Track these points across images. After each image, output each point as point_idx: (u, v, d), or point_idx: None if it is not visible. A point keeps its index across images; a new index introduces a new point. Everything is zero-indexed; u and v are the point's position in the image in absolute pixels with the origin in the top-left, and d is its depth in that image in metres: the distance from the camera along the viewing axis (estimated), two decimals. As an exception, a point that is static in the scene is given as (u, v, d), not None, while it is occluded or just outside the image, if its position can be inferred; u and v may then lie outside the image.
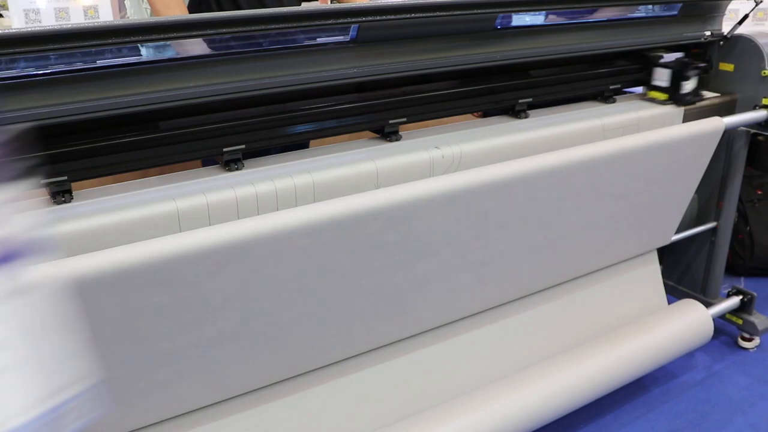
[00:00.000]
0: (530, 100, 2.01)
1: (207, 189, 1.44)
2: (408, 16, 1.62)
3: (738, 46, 2.37)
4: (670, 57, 2.22)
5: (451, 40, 1.78)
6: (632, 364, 2.12)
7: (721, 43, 2.39)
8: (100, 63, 1.43)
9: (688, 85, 2.19)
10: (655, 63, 2.23)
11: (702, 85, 2.43)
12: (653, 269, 2.41)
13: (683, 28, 2.34)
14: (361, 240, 1.52)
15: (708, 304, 2.46)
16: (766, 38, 2.36)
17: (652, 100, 2.24)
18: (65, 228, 1.30)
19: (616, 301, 2.32)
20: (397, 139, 1.77)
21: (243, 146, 1.55)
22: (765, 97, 2.32)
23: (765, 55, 2.31)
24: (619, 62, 2.25)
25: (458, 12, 1.69)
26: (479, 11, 1.73)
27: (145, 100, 1.40)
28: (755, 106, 2.32)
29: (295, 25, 1.49)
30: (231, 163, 1.54)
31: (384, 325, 1.75)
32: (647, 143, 1.99)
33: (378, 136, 1.78)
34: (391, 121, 1.75)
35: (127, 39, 1.32)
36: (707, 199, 2.57)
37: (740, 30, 2.35)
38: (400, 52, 1.69)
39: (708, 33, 2.37)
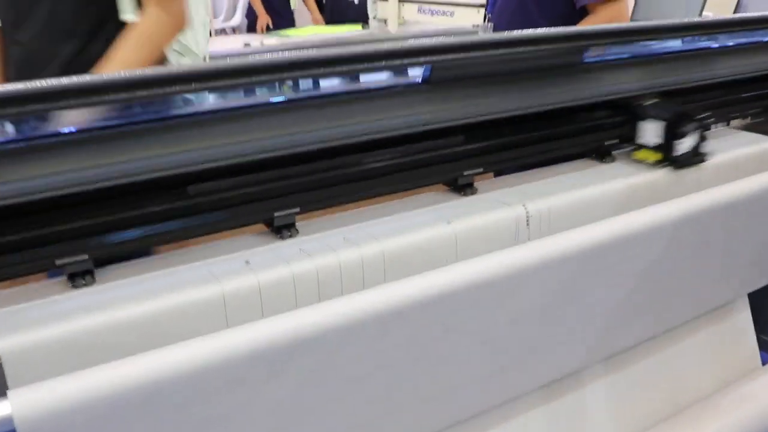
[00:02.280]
0: (616, 141, 1.71)
1: (257, 265, 1.15)
2: (487, 53, 1.33)
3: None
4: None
5: (534, 78, 1.49)
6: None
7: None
8: (117, 120, 1.15)
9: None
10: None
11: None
12: (744, 318, 2.09)
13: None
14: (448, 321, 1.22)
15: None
16: None
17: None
18: (87, 321, 1.02)
19: (705, 360, 1.99)
20: (472, 193, 1.47)
21: (298, 209, 1.27)
22: None
23: None
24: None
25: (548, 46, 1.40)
26: (568, 44, 1.44)
27: (183, 160, 1.12)
28: None
29: (360, 66, 1.21)
30: (284, 230, 1.26)
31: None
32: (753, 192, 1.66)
33: (449, 189, 1.49)
34: (465, 173, 1.46)
35: (159, 91, 1.03)
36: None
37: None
38: (474, 94, 1.40)
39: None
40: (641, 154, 1.64)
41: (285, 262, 1.16)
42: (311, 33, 5.33)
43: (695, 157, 1.64)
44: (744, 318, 2.09)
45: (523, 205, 1.40)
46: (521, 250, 1.27)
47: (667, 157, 1.60)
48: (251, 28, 6.43)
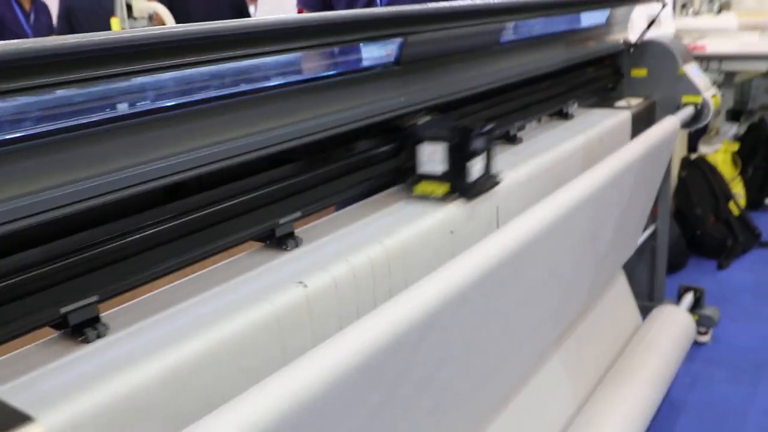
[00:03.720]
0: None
1: (289, 276, 0.96)
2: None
3: (649, 50, 2.31)
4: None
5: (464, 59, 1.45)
6: (657, 392, 1.88)
7: (631, 50, 2.32)
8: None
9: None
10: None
11: (617, 92, 2.35)
12: (622, 284, 2.23)
13: (601, 40, 2.24)
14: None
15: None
16: (673, 40, 2.34)
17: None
18: (110, 389, 0.76)
19: (603, 331, 2.08)
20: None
21: (299, 214, 1.09)
22: (684, 95, 2.28)
23: (677, 56, 2.27)
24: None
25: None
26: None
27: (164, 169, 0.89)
28: (677, 106, 2.27)
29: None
30: (288, 239, 1.07)
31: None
32: (625, 162, 1.74)
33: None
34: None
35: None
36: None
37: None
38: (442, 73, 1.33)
39: (621, 41, 2.29)
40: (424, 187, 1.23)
41: (324, 269, 0.98)
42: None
43: (489, 180, 1.25)
44: (623, 286, 2.23)
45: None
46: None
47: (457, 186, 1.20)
48: None
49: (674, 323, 2.14)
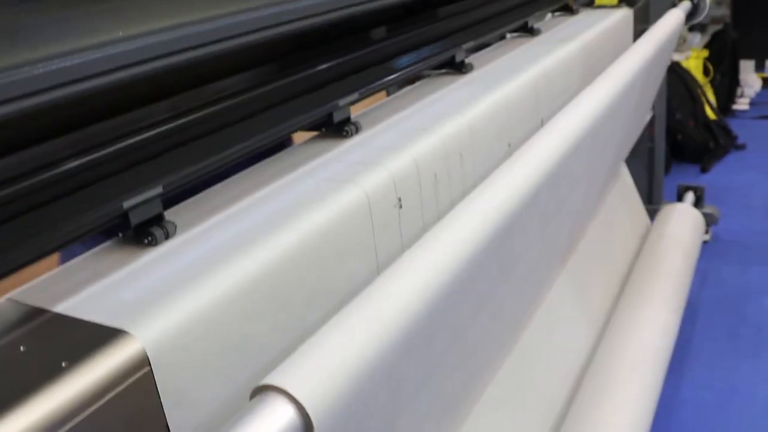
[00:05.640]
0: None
1: (375, 162, 0.81)
2: None
3: (641, -55, 2.17)
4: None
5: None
6: (686, 287, 1.80)
7: (623, -55, 2.18)
8: None
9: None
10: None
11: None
12: (628, 181, 2.13)
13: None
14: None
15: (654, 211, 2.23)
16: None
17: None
18: (202, 295, 0.60)
19: (616, 226, 1.98)
20: (471, 70, 1.23)
21: (357, 95, 0.92)
22: (680, -10, 2.16)
23: (673, -50, 2.14)
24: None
25: None
26: None
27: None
28: (673, 3, 2.14)
29: None
30: (348, 124, 0.91)
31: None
32: (646, 54, 1.61)
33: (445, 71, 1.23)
34: (465, 46, 1.21)
35: None
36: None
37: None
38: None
39: (615, -64, 2.15)
40: None
41: (406, 152, 0.83)
42: None
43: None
44: (629, 183, 2.14)
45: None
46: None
47: None
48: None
49: (688, 220, 2.06)
